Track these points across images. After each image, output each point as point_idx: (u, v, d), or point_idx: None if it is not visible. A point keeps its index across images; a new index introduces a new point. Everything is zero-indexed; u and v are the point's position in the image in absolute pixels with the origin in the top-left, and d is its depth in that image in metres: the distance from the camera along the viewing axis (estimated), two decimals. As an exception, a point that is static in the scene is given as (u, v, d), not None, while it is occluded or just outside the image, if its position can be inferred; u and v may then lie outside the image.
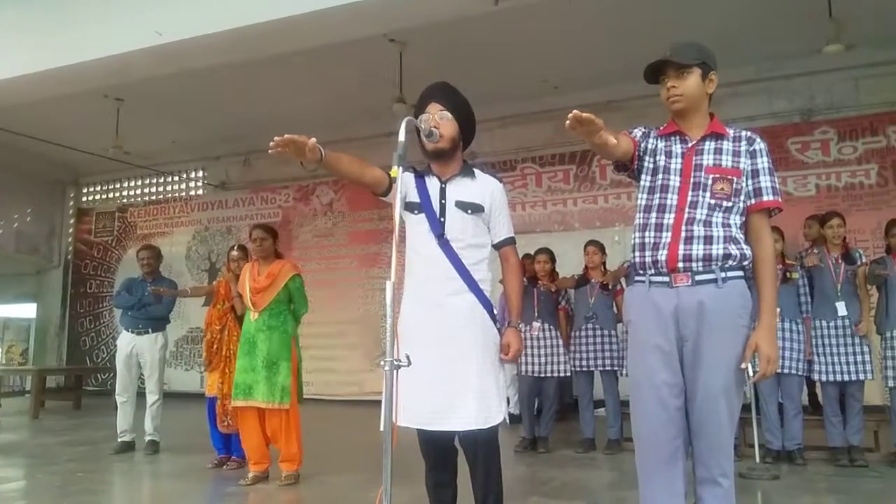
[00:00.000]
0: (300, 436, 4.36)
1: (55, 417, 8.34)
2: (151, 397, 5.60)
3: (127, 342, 5.65)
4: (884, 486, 4.24)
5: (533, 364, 5.50)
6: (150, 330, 5.66)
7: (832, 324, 4.78)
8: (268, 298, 4.34)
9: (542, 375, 5.53)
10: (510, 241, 2.70)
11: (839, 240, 4.91)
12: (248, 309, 4.39)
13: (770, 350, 2.10)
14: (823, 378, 4.78)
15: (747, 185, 2.18)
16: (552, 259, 5.79)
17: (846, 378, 4.70)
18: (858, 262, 4.83)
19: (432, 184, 2.63)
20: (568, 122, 1.94)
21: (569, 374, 5.64)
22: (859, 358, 4.68)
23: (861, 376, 4.68)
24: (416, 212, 2.61)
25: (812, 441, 4.96)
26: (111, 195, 12.40)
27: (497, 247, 2.69)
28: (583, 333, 5.53)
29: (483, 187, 2.64)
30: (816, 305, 4.88)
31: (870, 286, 4.85)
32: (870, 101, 7.56)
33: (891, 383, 4.66)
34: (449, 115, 2.60)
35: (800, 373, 4.82)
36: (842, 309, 4.75)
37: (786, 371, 4.74)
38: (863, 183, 7.56)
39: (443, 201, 2.59)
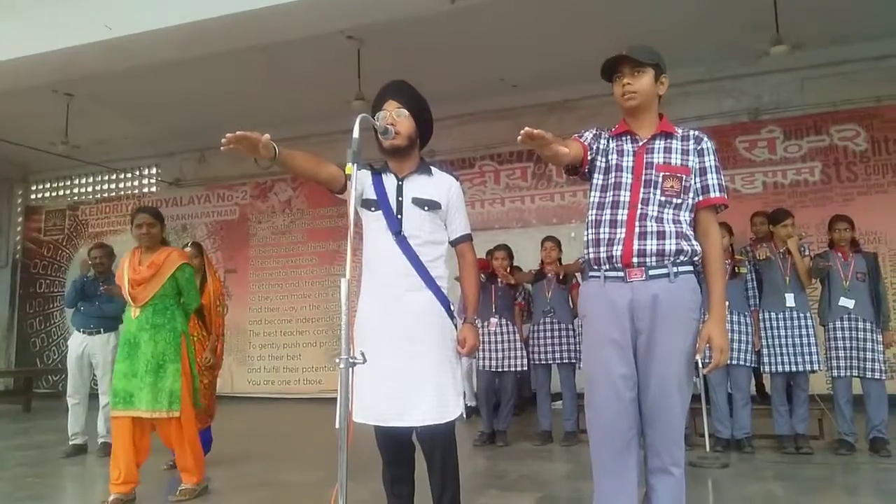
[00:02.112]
0: (197, 447, 3.91)
1: (3, 421, 8.08)
2: (104, 399, 5.47)
3: (78, 342, 5.53)
4: (827, 472, 4.40)
5: (491, 359, 5.55)
6: (102, 330, 5.55)
7: (781, 315, 4.93)
8: (150, 291, 3.80)
9: (500, 370, 5.59)
10: (467, 238, 2.73)
11: (789, 235, 5.07)
12: (129, 305, 3.86)
13: (722, 341, 2.18)
14: (771, 369, 4.94)
15: (695, 183, 2.26)
16: (510, 255, 5.86)
17: (793, 369, 4.86)
18: (803, 255, 5.01)
19: (389, 181, 2.65)
20: (520, 138, 1.99)
21: (526, 368, 5.71)
22: (806, 349, 4.84)
23: (807, 367, 4.84)
24: (373, 209, 2.63)
25: (760, 430, 5.12)
26: (61, 192, 12.04)
27: (454, 243, 2.71)
28: (541, 328, 5.61)
29: (440, 184, 2.67)
30: (766, 298, 5.04)
31: (814, 279, 5.03)
32: (814, 100, 7.82)
33: (834, 373, 4.85)
34: (406, 112, 2.62)
35: (748, 364, 4.98)
36: (790, 300, 4.91)
37: (734, 362, 4.89)
38: (807, 180, 7.83)
39: (400, 198, 2.61)
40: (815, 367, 4.86)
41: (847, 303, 4.81)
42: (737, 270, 4.96)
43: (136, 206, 3.90)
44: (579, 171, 2.35)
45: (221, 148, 2.20)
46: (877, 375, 4.69)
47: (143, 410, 3.70)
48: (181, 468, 3.89)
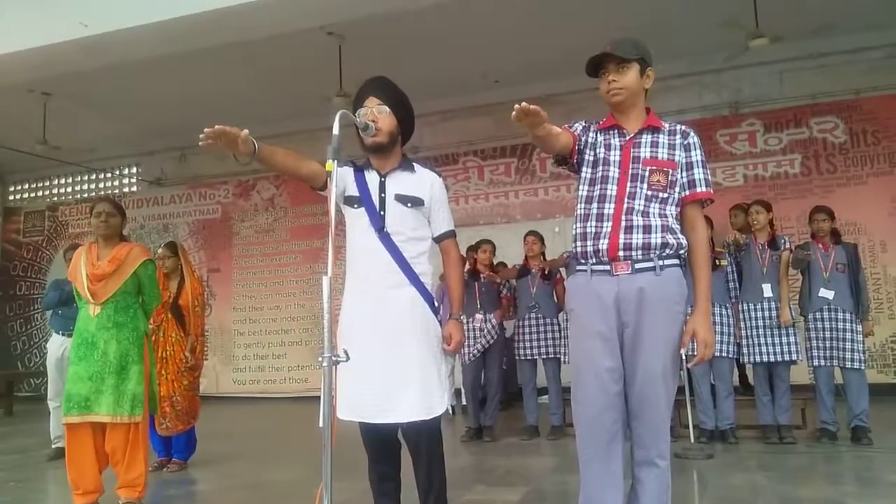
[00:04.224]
0: (147, 455, 3.62)
1: (-16, 426, 7.98)
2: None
3: (58, 345, 5.44)
4: (810, 461, 4.45)
5: (476, 355, 5.55)
6: (82, 332, 5.47)
7: (759, 306, 4.98)
8: (112, 288, 3.53)
9: (486, 365, 5.59)
10: (450, 234, 2.72)
11: (760, 225, 5.10)
12: (84, 302, 3.57)
13: (707, 335, 2.19)
14: (752, 360, 4.98)
15: (682, 177, 2.26)
16: (494, 251, 5.87)
17: (774, 359, 4.90)
18: (782, 248, 5.06)
19: (371, 178, 2.64)
20: (514, 113, 1.97)
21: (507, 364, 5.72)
22: (785, 340, 4.89)
23: (787, 357, 4.89)
24: (355, 206, 2.61)
25: (744, 420, 5.16)
26: (40, 193, 11.90)
27: (437, 240, 2.70)
28: (526, 323, 5.62)
29: (422, 181, 2.66)
30: (745, 289, 5.08)
31: (794, 270, 5.07)
32: (793, 93, 7.90)
33: (815, 363, 4.90)
34: (387, 108, 2.60)
35: (730, 355, 5.02)
36: (767, 291, 4.96)
37: (717, 354, 4.91)
38: (788, 173, 7.91)
39: (382, 195, 2.60)
40: (795, 357, 4.90)
41: (827, 293, 4.86)
42: (717, 263, 4.99)
43: (97, 197, 3.54)
44: (568, 161, 2.35)
45: (200, 143, 2.17)
46: (856, 365, 4.74)
47: (103, 415, 3.41)
48: (124, 483, 3.50)
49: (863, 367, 4.79)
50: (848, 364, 4.76)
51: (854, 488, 3.78)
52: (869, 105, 7.67)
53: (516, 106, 1.97)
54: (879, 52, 7.56)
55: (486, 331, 5.56)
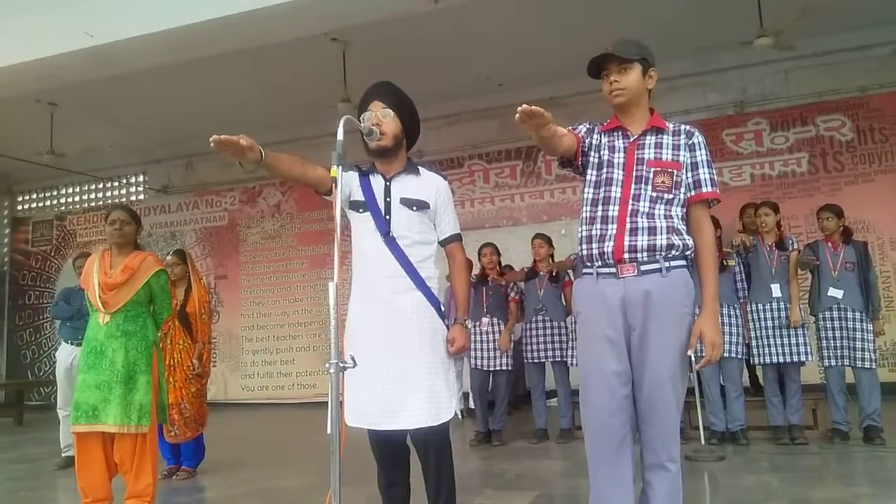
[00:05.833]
0: (156, 465, 3.57)
1: (-6, 435, 8.01)
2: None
3: (67, 354, 5.46)
4: (822, 462, 4.42)
5: (483, 359, 5.55)
6: (91, 341, 5.47)
7: (768, 306, 4.94)
8: (123, 298, 3.48)
9: (493, 369, 5.58)
10: (456, 238, 2.71)
11: (768, 227, 5.07)
12: (94, 310, 3.52)
13: (715, 336, 2.16)
14: (762, 361, 4.95)
15: (687, 178, 2.25)
16: (497, 252, 5.85)
17: (784, 360, 4.87)
18: (790, 248, 5.02)
19: (377, 182, 2.63)
20: (517, 115, 1.97)
21: (510, 367, 5.68)
22: (794, 340, 4.85)
23: (797, 358, 4.86)
24: (361, 210, 2.61)
25: (754, 421, 5.12)
26: (48, 203, 12.00)
27: (443, 244, 2.69)
28: (533, 326, 5.61)
29: (428, 184, 2.65)
30: (754, 290, 5.05)
31: (801, 271, 5.04)
32: (799, 92, 7.88)
33: (826, 362, 4.86)
34: (391, 112, 2.60)
35: (739, 356, 4.99)
36: (776, 291, 4.92)
37: (726, 355, 4.88)
38: (795, 171, 7.88)
39: (388, 199, 2.59)
40: (804, 357, 4.86)
41: (836, 293, 4.82)
42: (725, 264, 4.96)
43: (112, 204, 3.42)
44: (573, 163, 2.34)
45: (211, 144, 2.17)
46: (867, 364, 4.71)
47: (110, 425, 3.35)
48: (132, 493, 3.45)
49: (874, 367, 4.75)
50: (859, 363, 4.73)
51: (867, 489, 3.75)
52: (875, 102, 7.63)
53: (519, 108, 1.96)
54: (885, 49, 7.53)
55: (499, 343, 5.55)
